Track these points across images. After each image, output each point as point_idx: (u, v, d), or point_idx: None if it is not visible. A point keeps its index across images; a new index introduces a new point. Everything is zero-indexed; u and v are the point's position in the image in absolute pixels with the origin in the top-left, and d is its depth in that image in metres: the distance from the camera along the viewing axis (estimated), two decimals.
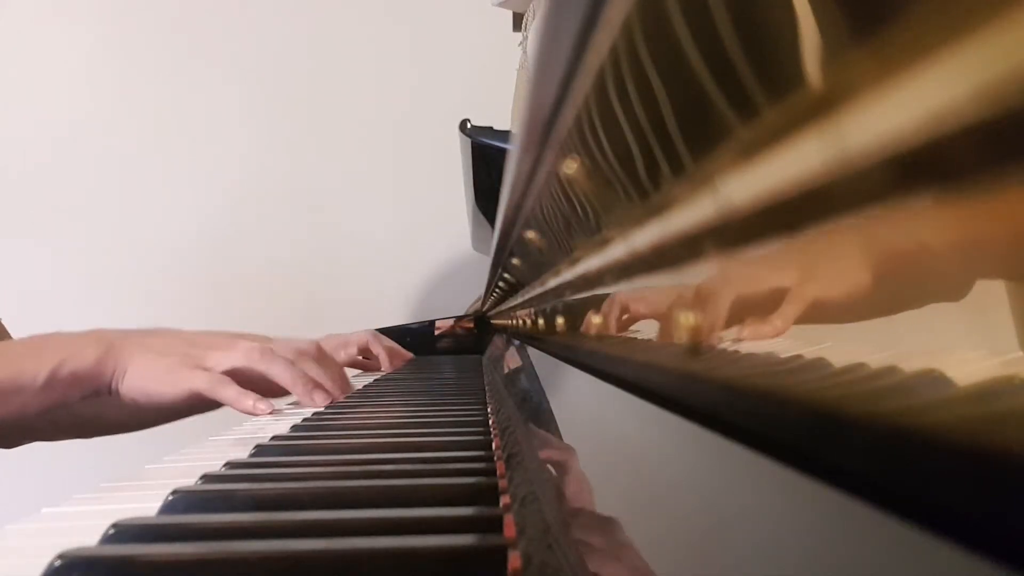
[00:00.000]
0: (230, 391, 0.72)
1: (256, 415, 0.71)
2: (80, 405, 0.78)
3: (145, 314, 1.22)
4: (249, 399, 0.72)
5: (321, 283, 1.67)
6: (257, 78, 1.68)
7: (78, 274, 1.65)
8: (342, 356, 1.12)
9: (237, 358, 0.74)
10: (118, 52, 1.66)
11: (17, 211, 1.64)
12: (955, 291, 0.10)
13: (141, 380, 0.72)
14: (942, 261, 0.10)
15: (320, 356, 0.81)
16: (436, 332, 1.32)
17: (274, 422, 0.64)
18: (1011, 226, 0.08)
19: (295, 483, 0.37)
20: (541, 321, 0.60)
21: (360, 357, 1.18)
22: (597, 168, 0.28)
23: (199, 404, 0.77)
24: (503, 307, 0.96)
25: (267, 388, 0.76)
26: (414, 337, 1.35)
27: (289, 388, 0.75)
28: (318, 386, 0.76)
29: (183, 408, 0.79)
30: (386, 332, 1.21)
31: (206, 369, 0.73)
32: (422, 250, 1.69)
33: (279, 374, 0.75)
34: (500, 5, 1.02)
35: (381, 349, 1.18)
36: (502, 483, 0.34)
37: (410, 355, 1.25)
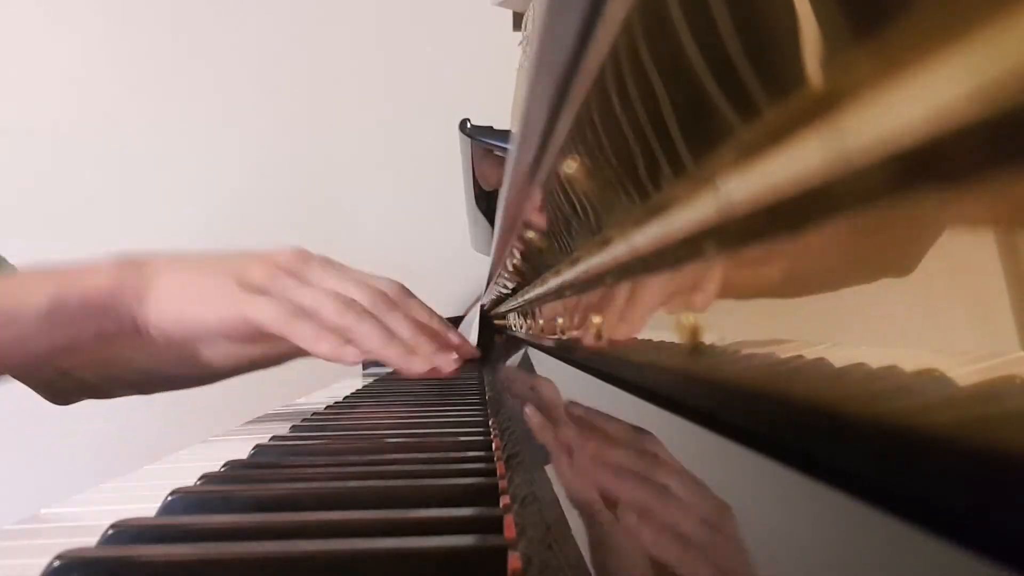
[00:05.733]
0: (306, 327, 0.53)
1: (343, 362, 0.54)
2: (106, 353, 0.59)
3: None
4: (331, 340, 0.53)
5: None
6: (256, 78, 1.68)
7: None
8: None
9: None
10: (118, 47, 1.66)
11: (24, 213, 1.64)
12: (955, 291, 0.10)
13: (174, 300, 0.54)
14: (943, 261, 0.10)
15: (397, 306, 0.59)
16: None
17: (279, 421, 0.64)
18: (1011, 226, 0.08)
19: (295, 483, 0.37)
20: (541, 321, 0.60)
21: None
22: (596, 167, 0.28)
23: (241, 357, 0.59)
24: (503, 307, 0.96)
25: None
26: None
27: (308, 350, 0.55)
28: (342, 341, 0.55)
29: (223, 355, 0.60)
30: None
31: (269, 296, 0.54)
32: (422, 250, 1.69)
33: (302, 336, 0.54)
34: (500, 5, 1.02)
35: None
36: (502, 483, 0.34)
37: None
